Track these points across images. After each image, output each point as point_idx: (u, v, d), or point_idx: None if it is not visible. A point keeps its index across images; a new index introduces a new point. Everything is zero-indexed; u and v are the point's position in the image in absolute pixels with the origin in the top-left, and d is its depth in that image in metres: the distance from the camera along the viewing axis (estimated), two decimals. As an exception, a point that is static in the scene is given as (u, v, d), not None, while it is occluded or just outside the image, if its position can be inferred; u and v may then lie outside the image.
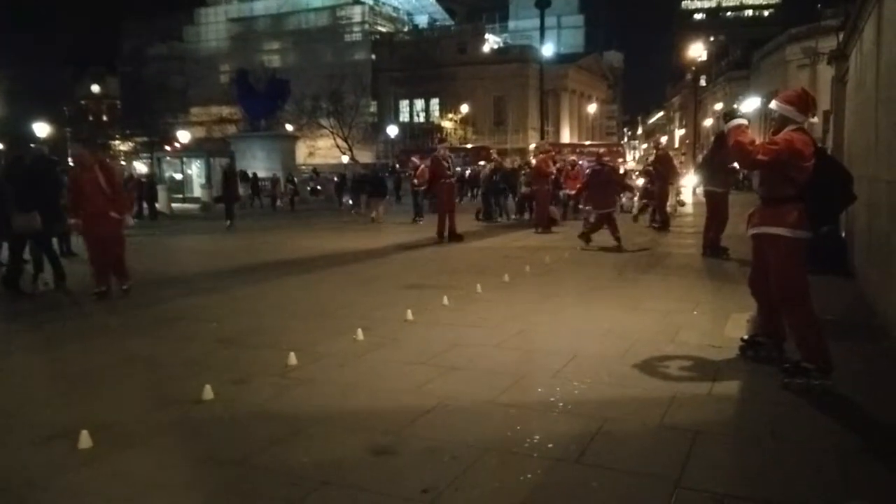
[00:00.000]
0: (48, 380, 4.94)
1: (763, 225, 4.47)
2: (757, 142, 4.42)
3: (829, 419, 3.83)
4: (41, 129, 38.08)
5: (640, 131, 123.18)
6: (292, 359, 5.02)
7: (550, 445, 3.51)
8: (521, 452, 3.45)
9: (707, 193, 10.79)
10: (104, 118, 64.67)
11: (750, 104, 40.52)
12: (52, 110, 45.43)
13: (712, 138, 18.46)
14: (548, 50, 38.53)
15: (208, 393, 4.31)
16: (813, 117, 4.79)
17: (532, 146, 42.60)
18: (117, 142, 55.11)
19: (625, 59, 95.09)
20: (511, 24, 74.77)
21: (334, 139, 53.77)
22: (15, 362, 5.53)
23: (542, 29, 27.55)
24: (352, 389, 4.47)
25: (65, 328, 6.76)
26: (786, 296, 4.36)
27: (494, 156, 23.82)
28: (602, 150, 19.49)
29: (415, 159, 21.01)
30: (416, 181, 18.42)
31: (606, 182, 12.00)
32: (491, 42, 66.17)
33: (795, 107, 4.37)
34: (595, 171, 12.53)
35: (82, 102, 65.78)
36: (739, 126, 4.45)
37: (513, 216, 19.24)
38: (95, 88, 66.91)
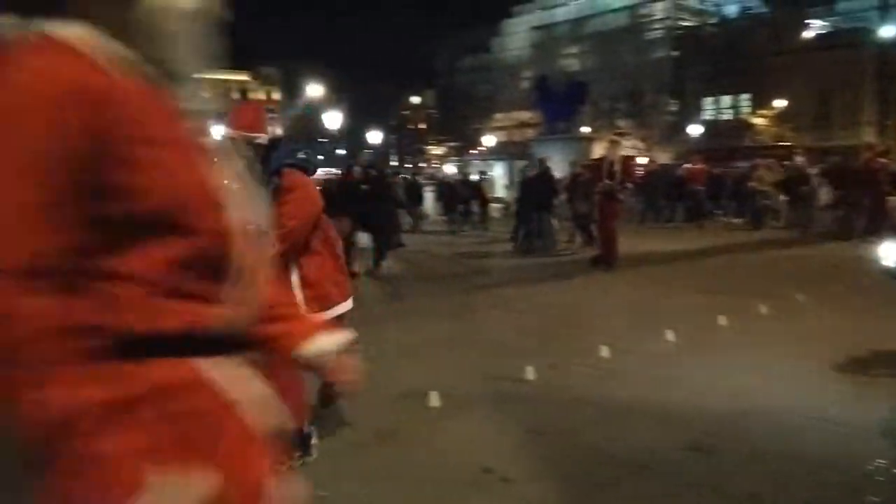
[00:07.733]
0: (385, 352, 5.58)
1: None
2: None
3: None
4: (374, 136, 45.08)
5: None
6: (604, 351, 5.29)
7: (880, 469, 3.25)
8: (850, 473, 3.26)
9: None
10: (422, 126, 72.95)
11: None
12: (380, 120, 53.61)
13: None
14: (888, 31, 33.27)
15: (530, 373, 4.79)
16: None
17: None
18: (431, 146, 61.38)
19: None
20: (839, 6, 65.86)
21: (633, 140, 53.01)
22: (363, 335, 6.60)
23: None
24: (663, 385, 4.57)
25: (388, 309, 7.88)
26: None
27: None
28: None
29: None
30: None
31: None
32: (814, 27, 59.10)
33: None
34: None
35: (404, 113, 74.86)
36: None
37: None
38: (415, 100, 75.57)
